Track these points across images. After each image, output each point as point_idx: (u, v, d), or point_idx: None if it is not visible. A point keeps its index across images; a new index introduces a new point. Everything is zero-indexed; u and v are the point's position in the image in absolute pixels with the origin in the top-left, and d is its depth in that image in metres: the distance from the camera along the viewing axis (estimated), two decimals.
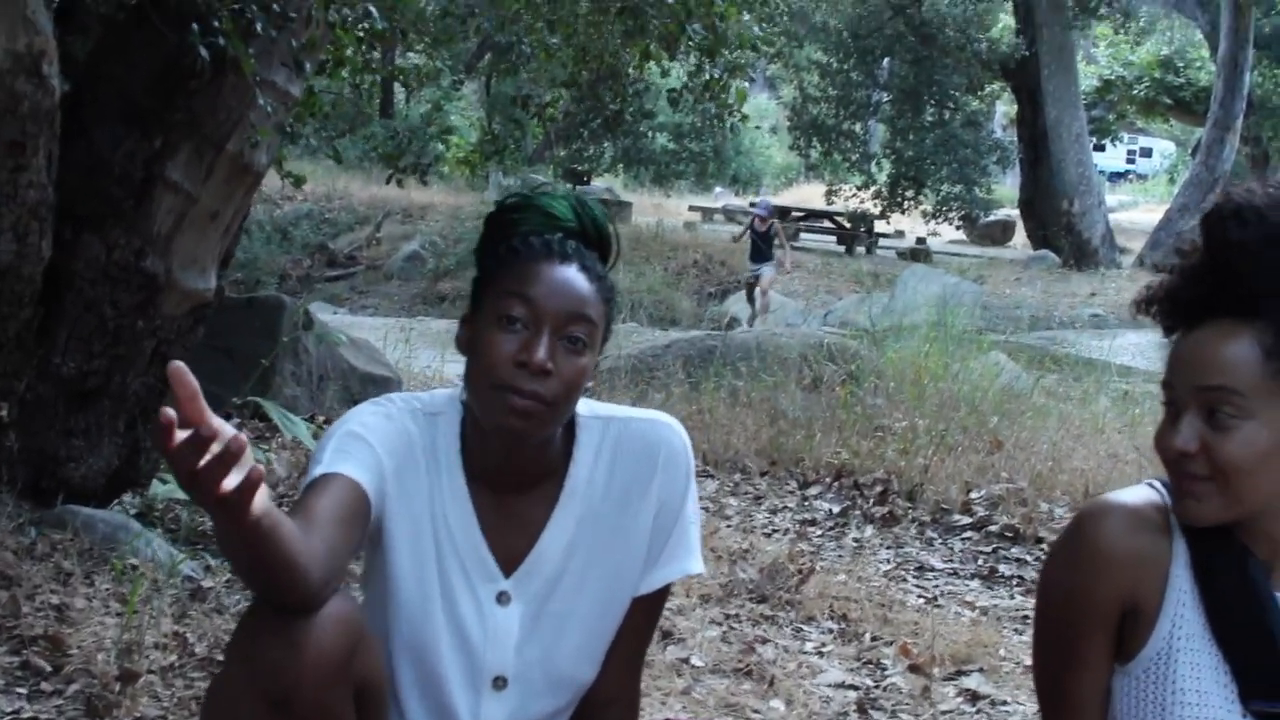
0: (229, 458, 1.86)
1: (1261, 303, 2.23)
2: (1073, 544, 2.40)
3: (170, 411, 1.82)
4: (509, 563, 2.57)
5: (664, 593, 2.71)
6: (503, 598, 2.57)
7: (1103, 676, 2.40)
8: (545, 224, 2.52)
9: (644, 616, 2.70)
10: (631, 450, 2.61)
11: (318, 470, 2.37)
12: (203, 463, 1.84)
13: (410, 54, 18.36)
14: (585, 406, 2.61)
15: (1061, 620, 2.42)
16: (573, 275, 2.46)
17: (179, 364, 1.89)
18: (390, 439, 2.48)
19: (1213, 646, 2.33)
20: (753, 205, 22.84)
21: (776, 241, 21.61)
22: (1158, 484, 2.42)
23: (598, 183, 37.89)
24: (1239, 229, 2.24)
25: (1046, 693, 2.51)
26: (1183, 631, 2.33)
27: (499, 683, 2.58)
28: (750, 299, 21.28)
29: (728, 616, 5.31)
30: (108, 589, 4.62)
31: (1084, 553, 2.36)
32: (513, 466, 2.55)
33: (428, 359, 11.07)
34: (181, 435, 1.84)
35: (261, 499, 1.97)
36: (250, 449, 1.86)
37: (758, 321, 20.30)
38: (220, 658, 4.17)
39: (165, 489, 5.73)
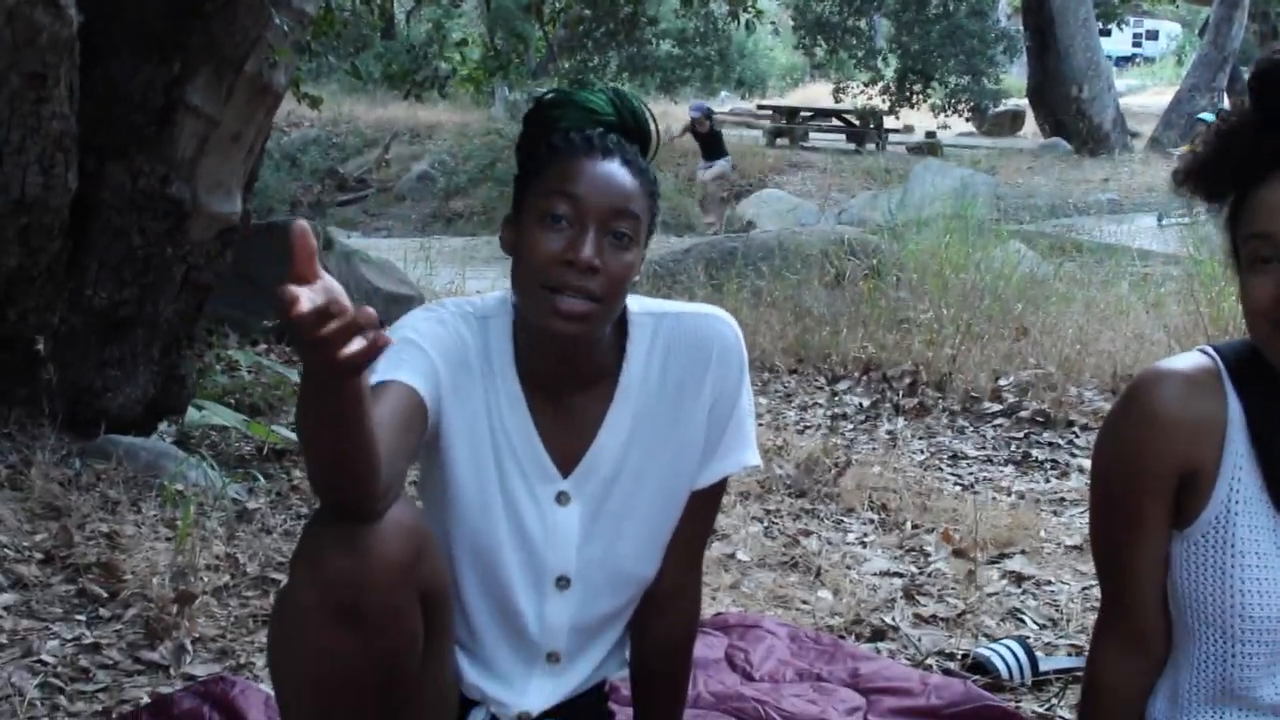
0: (354, 325, 1.81)
1: None
2: (1128, 411, 2.40)
3: (292, 288, 1.78)
4: (566, 463, 2.57)
5: (722, 486, 2.71)
6: (562, 498, 2.57)
7: (1162, 543, 2.40)
8: (584, 119, 2.49)
9: (702, 510, 2.70)
10: (684, 345, 2.60)
11: (373, 378, 2.34)
12: (332, 327, 1.80)
13: None
14: (636, 303, 2.60)
15: (1119, 488, 2.42)
16: (616, 170, 2.44)
17: (302, 223, 1.87)
18: (444, 344, 2.47)
19: (1271, 509, 2.33)
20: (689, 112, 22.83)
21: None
22: (1209, 349, 2.42)
23: None
24: None
25: (1105, 561, 2.52)
26: (1240, 495, 2.33)
27: (562, 582, 2.60)
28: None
29: (768, 512, 5.34)
30: (155, 515, 4.66)
31: (1140, 419, 2.36)
32: (566, 367, 2.54)
33: (448, 276, 11.09)
34: (306, 302, 1.79)
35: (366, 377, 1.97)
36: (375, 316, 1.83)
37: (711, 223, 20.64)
38: (272, 575, 4.22)
39: (201, 415, 5.76)
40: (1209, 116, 21.76)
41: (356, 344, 1.82)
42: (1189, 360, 2.41)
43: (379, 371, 2.36)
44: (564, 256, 2.37)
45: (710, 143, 21.92)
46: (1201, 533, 2.35)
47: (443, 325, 2.51)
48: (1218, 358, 2.39)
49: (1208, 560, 2.36)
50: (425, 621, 2.37)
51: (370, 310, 1.83)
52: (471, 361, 2.52)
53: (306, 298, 1.79)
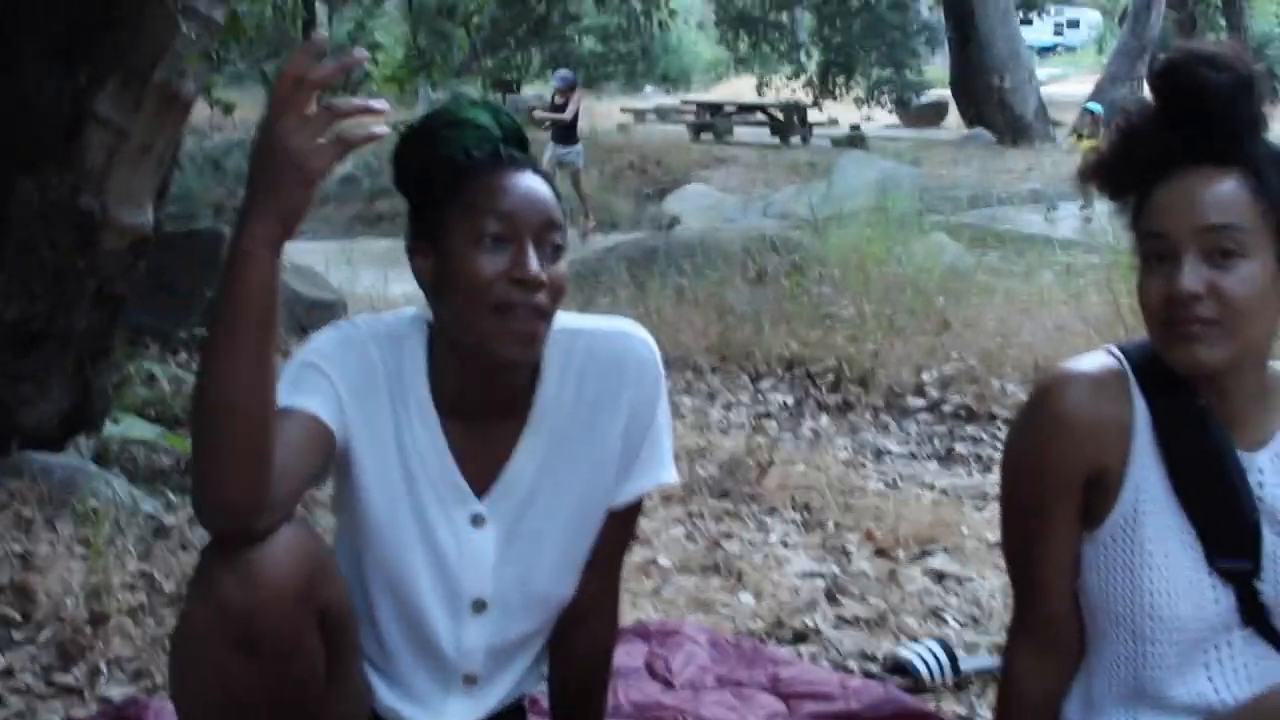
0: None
1: (1238, 146, 2.24)
2: (1035, 414, 2.41)
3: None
4: (481, 484, 2.54)
5: (639, 504, 2.70)
6: (477, 520, 2.54)
7: (1071, 544, 2.41)
8: (479, 136, 2.43)
9: (620, 528, 2.68)
10: (599, 364, 2.56)
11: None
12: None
13: None
14: None
15: (1027, 491, 2.42)
16: (535, 182, 2.41)
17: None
18: (349, 367, 2.42)
19: (1177, 508, 2.34)
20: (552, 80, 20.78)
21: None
22: (1114, 350, 2.43)
23: (528, 90, 37.64)
24: (1214, 74, 2.24)
25: (1016, 563, 2.53)
26: (1147, 495, 2.34)
27: (478, 606, 2.56)
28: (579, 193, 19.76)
29: (691, 515, 5.33)
30: (70, 533, 4.60)
31: (1046, 422, 2.37)
32: (486, 390, 2.50)
33: (370, 280, 11.01)
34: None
35: None
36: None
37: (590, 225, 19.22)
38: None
39: (118, 429, 5.70)
40: (1096, 107, 21.97)
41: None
42: (1094, 361, 2.42)
43: (280, 395, 2.32)
44: (510, 274, 2.33)
45: (567, 123, 19.81)
46: (1110, 534, 2.36)
47: (350, 347, 2.45)
48: (1123, 358, 2.39)
49: (1117, 561, 2.37)
50: (326, 644, 2.34)
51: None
52: (380, 384, 2.47)
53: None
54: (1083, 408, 2.34)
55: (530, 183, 2.41)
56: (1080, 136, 20.74)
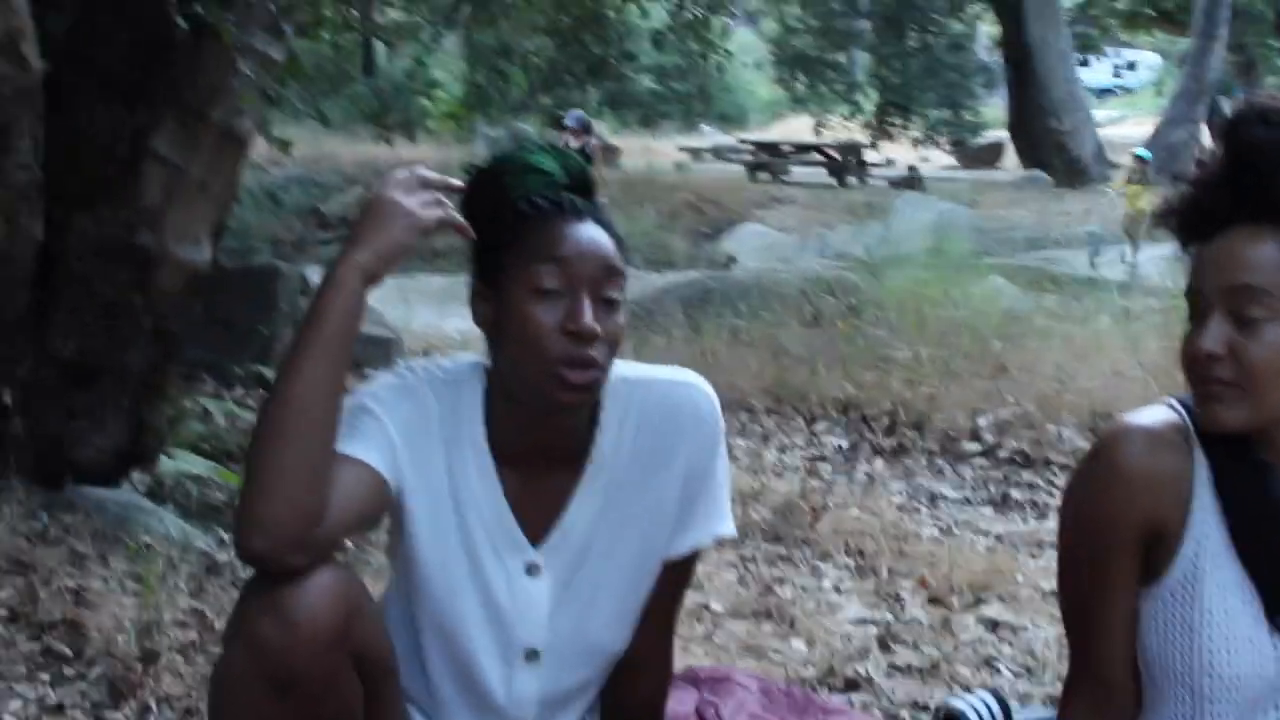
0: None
1: None
2: (1094, 468, 2.38)
3: None
4: (537, 533, 2.51)
5: (695, 556, 2.66)
6: (532, 569, 2.51)
7: (1129, 600, 2.38)
8: (541, 182, 2.41)
9: (675, 580, 2.65)
10: (658, 414, 2.53)
11: None
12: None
13: (388, 9, 18.23)
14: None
15: (1086, 545, 2.39)
16: (594, 231, 2.39)
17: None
18: (404, 414, 2.41)
19: (1237, 564, 2.31)
20: (563, 122, 18.62)
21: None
22: (1175, 402, 2.40)
23: None
24: (1265, 130, 2.22)
25: (1073, 617, 2.49)
26: (1207, 550, 2.31)
27: (531, 655, 2.54)
28: None
29: (744, 559, 5.30)
30: (123, 569, 4.61)
31: (1106, 476, 2.34)
32: (543, 439, 2.48)
33: (427, 317, 11.06)
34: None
35: None
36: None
37: None
38: None
39: (173, 464, 5.72)
40: (1145, 153, 21.83)
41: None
42: (1155, 415, 2.39)
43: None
44: (565, 327, 2.31)
45: None
46: (1170, 590, 2.33)
47: (407, 394, 2.44)
48: (1184, 412, 2.36)
49: (1176, 618, 2.33)
50: (364, 686, 2.33)
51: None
52: (434, 429, 2.45)
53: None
54: (1143, 461, 2.31)
55: (590, 232, 2.38)
56: (1130, 181, 20.58)
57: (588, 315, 2.31)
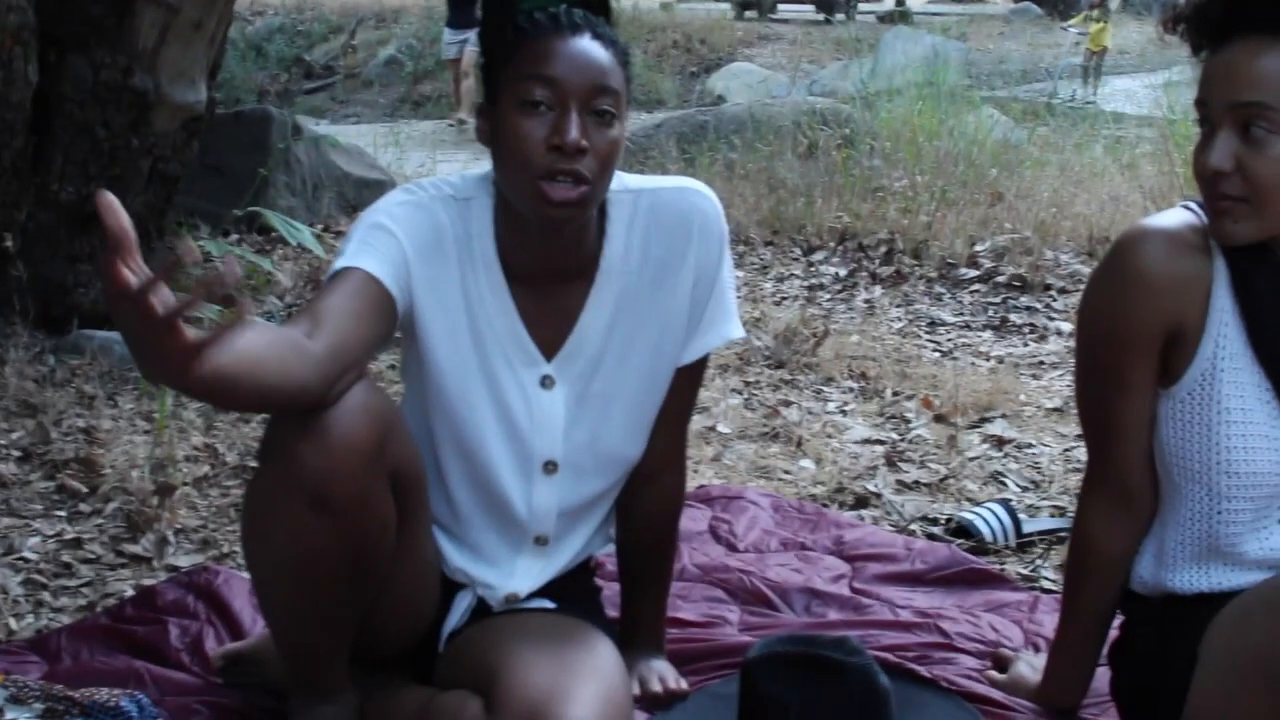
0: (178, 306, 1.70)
1: None
2: (1113, 270, 2.38)
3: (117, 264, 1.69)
4: (550, 347, 2.53)
5: (705, 360, 2.69)
6: (546, 382, 2.53)
7: (1148, 400, 2.40)
8: None
9: (687, 385, 2.68)
10: (664, 221, 2.54)
11: (338, 264, 2.33)
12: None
13: None
14: (614, 180, 2.51)
15: (1105, 347, 2.41)
16: (589, 46, 2.36)
17: (107, 196, 1.70)
18: (418, 229, 2.42)
19: (1255, 365, 2.33)
20: None
21: None
22: (1193, 205, 2.40)
23: None
24: None
25: (1091, 420, 2.51)
26: (1225, 351, 2.33)
27: (549, 467, 2.56)
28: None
29: (747, 384, 5.33)
30: (132, 408, 4.64)
31: (1126, 279, 2.35)
32: (550, 254, 2.49)
33: (419, 160, 11.00)
34: (129, 276, 1.69)
35: (231, 344, 1.87)
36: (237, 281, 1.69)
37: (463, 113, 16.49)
38: (251, 464, 4.20)
39: None
40: None
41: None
42: (1173, 217, 2.39)
43: (344, 257, 2.33)
44: (550, 141, 2.30)
45: (465, 2, 15.83)
46: (1187, 390, 2.35)
47: (419, 209, 2.44)
48: (1200, 213, 2.37)
49: (1194, 418, 2.35)
50: (397, 504, 2.36)
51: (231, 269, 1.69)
52: (448, 246, 2.46)
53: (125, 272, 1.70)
54: (1162, 263, 2.32)
55: (584, 46, 2.36)
56: (1089, 18, 20.28)
57: (574, 130, 2.30)
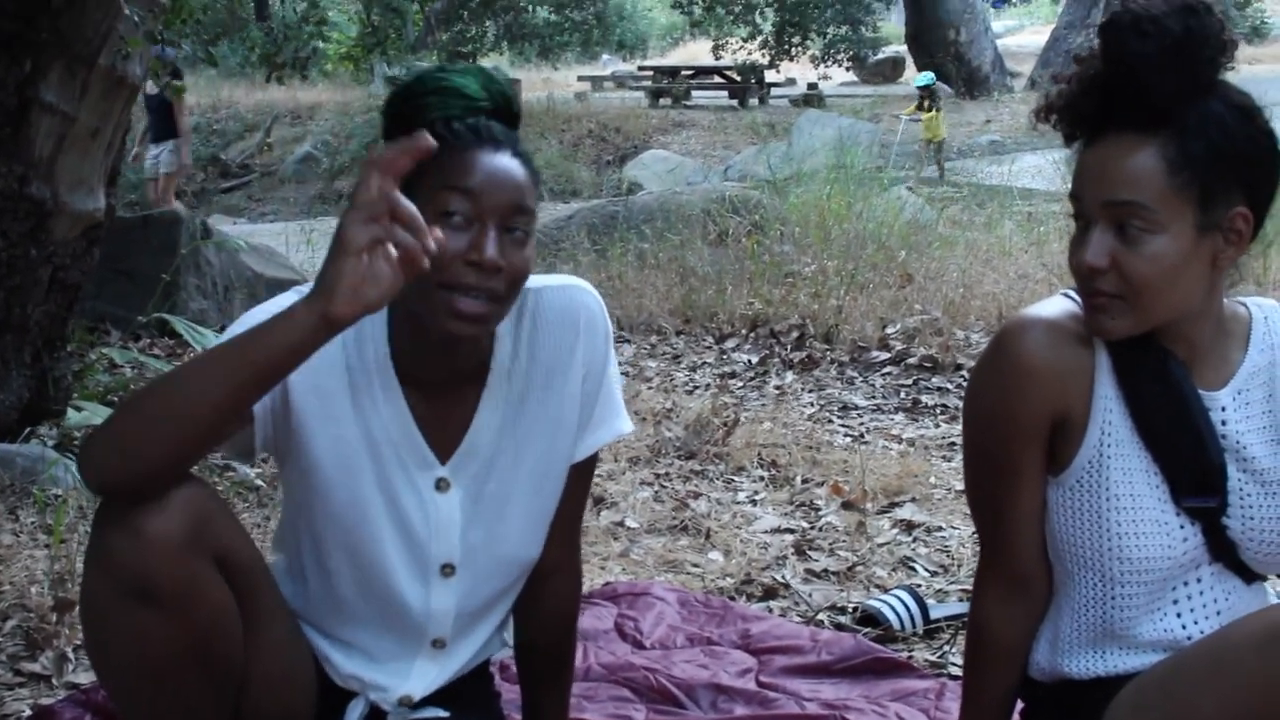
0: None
1: (1163, 115, 2.21)
2: (996, 362, 2.39)
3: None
4: (444, 449, 2.51)
5: (595, 457, 2.69)
6: (442, 484, 2.51)
7: (1037, 489, 2.40)
8: (461, 106, 2.37)
9: (578, 483, 2.67)
10: (551, 320, 2.54)
11: None
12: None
13: None
14: None
15: (992, 437, 2.41)
16: (509, 164, 2.34)
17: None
18: None
19: (1142, 449, 2.34)
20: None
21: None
22: (1072, 294, 2.41)
23: (483, 63, 37.54)
24: (1139, 41, 2.20)
25: (981, 511, 2.51)
26: (1111, 438, 2.34)
27: (447, 570, 2.54)
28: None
29: (658, 476, 5.33)
30: (33, 522, 4.58)
31: (1008, 369, 2.35)
32: (446, 361, 2.48)
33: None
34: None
35: None
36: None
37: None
38: None
39: (80, 416, 5.66)
40: (927, 79, 21.72)
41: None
42: (1053, 306, 2.40)
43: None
44: (467, 256, 2.28)
45: (165, 115, 14.61)
46: (1076, 478, 2.36)
47: None
48: (1080, 302, 2.38)
49: (1083, 505, 2.36)
50: (238, 593, 2.33)
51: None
52: (337, 356, 2.43)
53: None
54: (1044, 352, 2.33)
55: (504, 163, 2.34)
56: (920, 107, 20.35)
57: (491, 247, 2.28)
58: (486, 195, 2.30)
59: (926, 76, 22.01)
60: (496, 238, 2.29)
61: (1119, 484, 2.33)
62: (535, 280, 2.59)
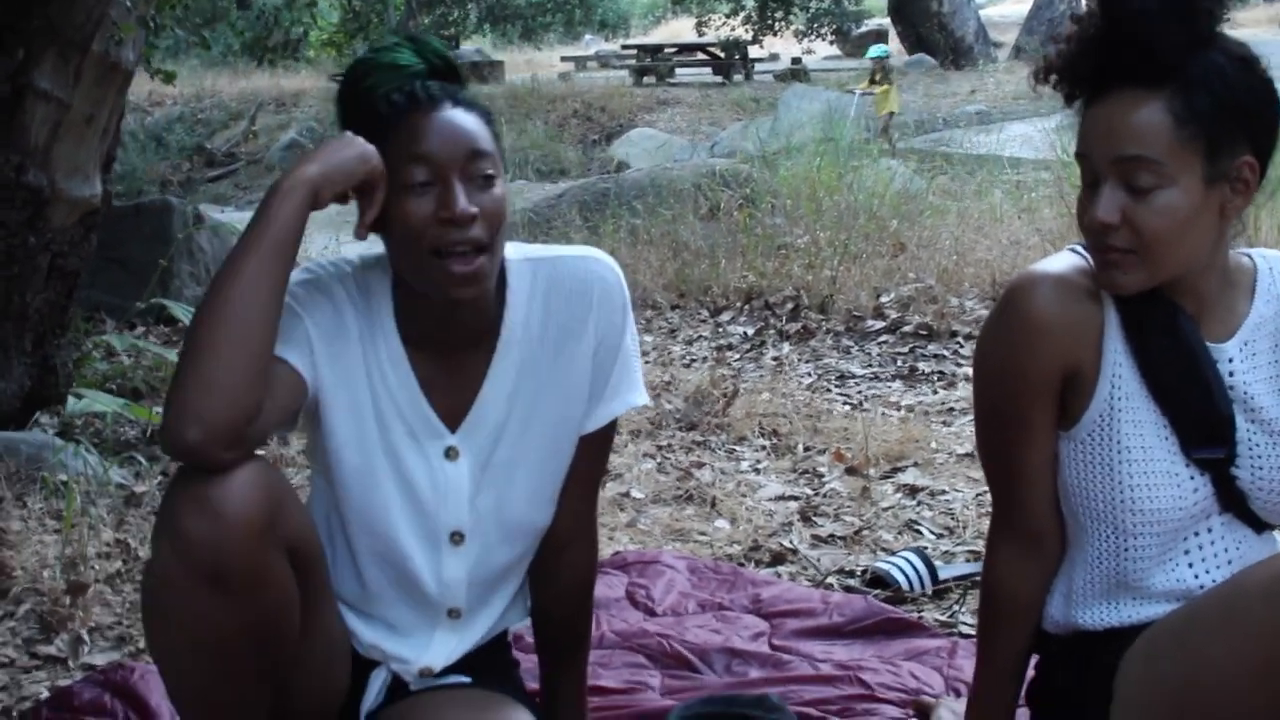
0: None
1: (1167, 70, 2.23)
2: (1005, 318, 2.40)
3: None
4: (453, 418, 2.53)
5: (612, 427, 2.69)
6: (450, 453, 2.53)
7: (1048, 444, 2.42)
8: (398, 77, 2.43)
9: (594, 453, 2.68)
10: (565, 290, 2.56)
11: None
12: None
13: None
14: (513, 250, 2.56)
15: (1002, 393, 2.42)
16: (454, 115, 2.39)
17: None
18: (319, 308, 2.43)
19: (1151, 402, 2.35)
20: None
21: None
22: (1080, 249, 2.42)
23: (466, 46, 37.51)
24: None
25: (994, 467, 2.52)
26: (1121, 391, 2.35)
27: (456, 538, 2.56)
28: None
29: (660, 448, 5.34)
30: (41, 508, 4.59)
31: (1017, 325, 2.36)
32: (451, 324, 2.50)
33: (322, 241, 10.95)
34: None
35: None
36: None
37: None
38: None
39: (82, 404, 5.66)
40: (881, 50, 21.46)
41: None
42: (1061, 261, 2.42)
43: None
44: (439, 216, 2.32)
45: None
46: (1087, 431, 2.37)
47: (319, 289, 2.46)
48: (1088, 257, 2.40)
49: (1095, 458, 2.37)
50: (298, 579, 2.35)
51: None
52: (350, 324, 2.47)
53: None
54: (1053, 307, 2.34)
55: (449, 116, 2.39)
56: (873, 82, 20.11)
57: (460, 201, 2.33)
58: (441, 152, 2.36)
59: (879, 49, 21.86)
60: (464, 189, 2.34)
61: (1130, 436, 2.35)
62: (553, 249, 2.62)
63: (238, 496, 2.18)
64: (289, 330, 2.36)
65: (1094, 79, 2.30)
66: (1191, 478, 2.36)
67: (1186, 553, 2.41)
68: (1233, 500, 2.40)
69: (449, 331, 2.51)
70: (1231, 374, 2.38)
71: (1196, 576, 2.41)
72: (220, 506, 2.16)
